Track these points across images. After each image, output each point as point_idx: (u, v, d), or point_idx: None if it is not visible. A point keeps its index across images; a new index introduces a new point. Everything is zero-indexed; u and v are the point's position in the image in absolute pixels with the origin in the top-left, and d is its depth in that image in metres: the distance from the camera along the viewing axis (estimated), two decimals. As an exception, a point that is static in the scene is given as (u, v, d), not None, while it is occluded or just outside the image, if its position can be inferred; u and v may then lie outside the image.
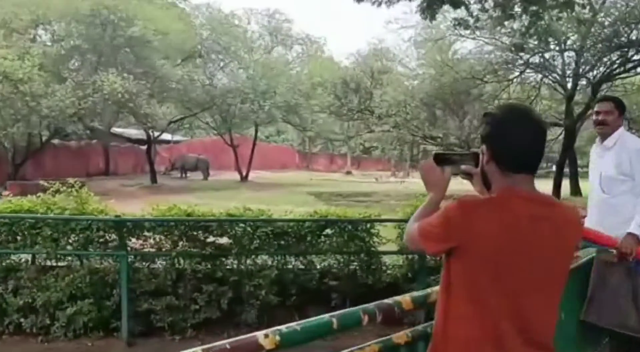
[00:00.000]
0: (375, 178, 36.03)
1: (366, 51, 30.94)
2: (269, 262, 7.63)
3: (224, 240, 7.58)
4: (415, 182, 37.25)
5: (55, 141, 30.56)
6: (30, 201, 7.56)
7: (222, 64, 31.61)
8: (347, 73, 27.65)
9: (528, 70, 22.09)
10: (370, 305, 2.53)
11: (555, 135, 25.06)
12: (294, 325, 2.29)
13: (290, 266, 7.71)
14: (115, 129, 36.09)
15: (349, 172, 42.60)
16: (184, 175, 34.94)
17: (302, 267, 7.73)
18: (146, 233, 7.40)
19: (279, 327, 2.23)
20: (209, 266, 7.49)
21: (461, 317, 2.15)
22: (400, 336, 2.98)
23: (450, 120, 24.17)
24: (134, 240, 7.46)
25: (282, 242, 7.62)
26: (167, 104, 29.61)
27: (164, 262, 7.44)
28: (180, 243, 7.43)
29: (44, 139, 27.20)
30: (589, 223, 4.23)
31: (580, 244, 2.48)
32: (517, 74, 22.33)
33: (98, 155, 33.88)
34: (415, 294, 2.85)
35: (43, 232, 7.16)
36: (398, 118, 23.17)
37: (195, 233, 7.43)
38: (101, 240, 7.34)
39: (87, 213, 7.38)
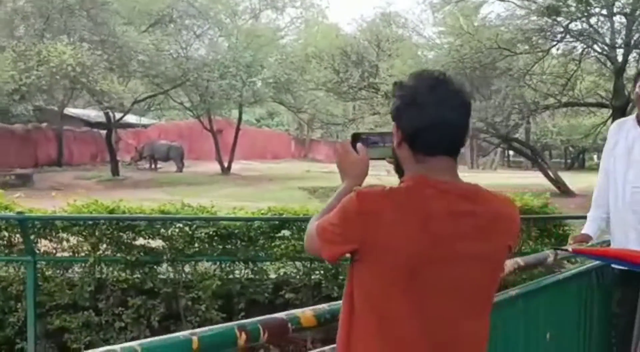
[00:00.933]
0: (386, 170, 36.07)
1: (372, 16, 30.86)
2: (211, 271, 7.58)
3: (157, 243, 7.56)
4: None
5: (-5, 124, 30.74)
6: None
7: (198, 31, 31.55)
8: (348, 42, 27.47)
9: (568, 39, 21.88)
10: (253, 320, 2.44)
11: (603, 119, 24.89)
12: (135, 344, 2.15)
13: (237, 275, 7.67)
14: (71, 110, 36.30)
15: (353, 163, 42.11)
16: (153, 166, 35.04)
17: (252, 276, 7.68)
18: (61, 234, 7.38)
19: (111, 348, 2.09)
20: (137, 275, 7.47)
21: (365, 337, 2.14)
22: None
23: (473, 100, 23.99)
24: (45, 243, 7.43)
25: (228, 246, 7.58)
26: (131, 79, 29.65)
27: (81, 270, 7.41)
28: (102, 246, 7.42)
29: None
30: (620, 236, 4.30)
31: (515, 245, 2.40)
32: (554, 43, 22.14)
33: (49, 142, 33.92)
34: (321, 307, 2.83)
35: None
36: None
37: (119, 234, 7.40)
38: (4, 242, 7.32)
39: (-12, 210, 7.36)
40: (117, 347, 2.11)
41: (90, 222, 7.34)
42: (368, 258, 2.09)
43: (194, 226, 7.51)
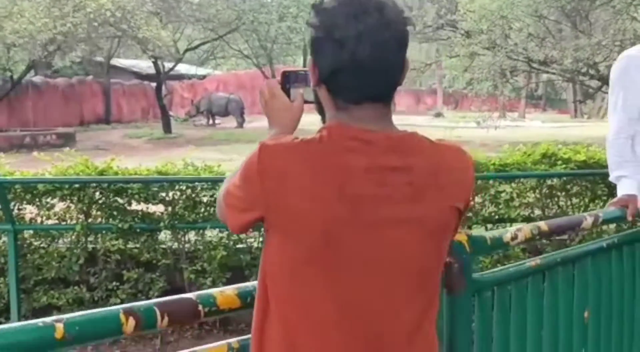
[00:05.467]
0: (476, 121, 35.64)
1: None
2: (218, 239, 7.54)
3: (156, 208, 7.53)
4: (532, 127, 36.75)
5: (37, 79, 31.53)
6: None
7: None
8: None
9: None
10: (149, 301, 2.33)
11: None
12: None
13: (247, 244, 7.61)
14: (120, 61, 37.01)
15: (439, 114, 42.52)
16: (211, 121, 35.42)
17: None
18: (44, 200, 7.41)
19: None
20: (133, 245, 7.49)
21: (280, 321, 2.06)
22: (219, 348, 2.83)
23: (569, 37, 23.28)
24: (32, 209, 7.50)
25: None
26: (182, 25, 29.92)
27: (69, 239, 7.48)
28: (92, 213, 7.44)
29: (16, 76, 28.00)
30: None
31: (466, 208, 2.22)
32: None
33: (95, 97, 34.66)
34: (247, 285, 2.64)
35: None
36: (494, 35, 22.51)
37: (113, 199, 7.41)
38: None
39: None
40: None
41: (76, 186, 7.34)
42: (276, 228, 1.99)
43: (198, 188, 7.44)
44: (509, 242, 3.64)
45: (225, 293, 2.46)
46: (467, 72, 24.40)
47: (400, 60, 2.03)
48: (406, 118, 40.25)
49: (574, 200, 7.82)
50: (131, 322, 2.19)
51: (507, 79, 25.74)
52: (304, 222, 1.94)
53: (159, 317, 2.24)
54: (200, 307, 2.39)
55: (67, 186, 7.34)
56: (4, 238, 7.35)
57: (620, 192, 4.33)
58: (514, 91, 37.54)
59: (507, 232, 3.65)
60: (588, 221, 4.50)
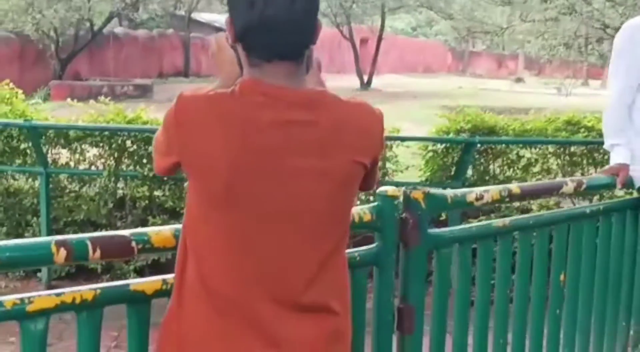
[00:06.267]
0: (556, 88, 35.02)
1: None
2: None
3: None
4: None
5: (119, 30, 32.07)
6: None
7: None
8: None
9: None
10: (83, 235, 2.43)
11: None
12: None
13: None
14: (201, 15, 37.25)
15: (519, 79, 41.79)
16: (287, 79, 35.54)
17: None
18: (75, 145, 7.69)
19: None
20: (160, 192, 7.69)
21: (197, 259, 2.17)
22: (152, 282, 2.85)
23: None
24: (65, 153, 7.79)
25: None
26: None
27: (98, 184, 7.71)
28: (121, 160, 7.67)
29: (96, 27, 28.53)
30: None
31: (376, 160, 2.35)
32: None
33: (175, 50, 34.99)
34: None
35: None
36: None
37: (143, 148, 7.60)
38: (20, 151, 7.71)
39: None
40: None
41: (106, 134, 7.58)
42: (190, 173, 2.12)
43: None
44: (473, 202, 3.63)
45: (161, 233, 2.50)
46: (541, 38, 23.93)
47: (310, 22, 2.12)
48: (485, 82, 39.74)
49: (600, 168, 7.68)
50: (62, 252, 2.29)
51: (592, 46, 25.13)
52: (210, 168, 2.05)
53: (90, 250, 2.33)
54: (133, 243, 2.45)
55: (96, 133, 7.59)
56: (37, 181, 7.63)
57: (614, 160, 4.35)
58: (601, 58, 36.54)
59: (472, 191, 3.65)
60: (569, 186, 4.43)
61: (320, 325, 2.23)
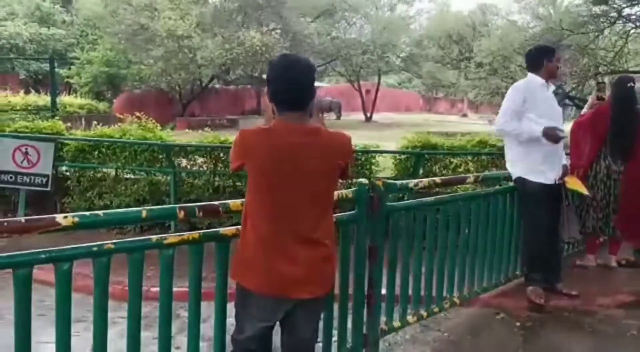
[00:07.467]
0: (488, 120, 34.52)
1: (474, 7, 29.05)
2: None
3: None
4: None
5: (217, 86, 32.23)
6: (111, 129, 8.34)
7: (352, 20, 31.18)
8: (451, 26, 26.20)
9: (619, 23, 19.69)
10: (195, 204, 2.67)
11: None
12: (100, 212, 2.38)
13: None
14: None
15: (464, 115, 40.95)
16: (320, 115, 35.32)
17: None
18: (190, 156, 7.84)
19: (84, 214, 2.34)
20: (241, 184, 7.70)
21: (251, 215, 2.34)
22: (230, 230, 2.94)
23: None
24: (185, 161, 7.93)
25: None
26: (304, 53, 29.97)
27: (204, 179, 7.79)
28: (219, 165, 7.76)
29: (204, 84, 28.70)
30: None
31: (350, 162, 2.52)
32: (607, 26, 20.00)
33: (252, 98, 35.08)
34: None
35: (117, 152, 7.92)
36: (496, 64, 21.82)
37: (227, 156, 7.59)
38: (159, 159, 7.90)
39: (148, 140, 8.01)
40: (86, 213, 2.35)
41: (208, 149, 7.73)
42: (248, 171, 2.30)
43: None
44: (413, 187, 3.89)
45: (234, 203, 2.74)
46: (477, 89, 23.78)
47: (309, 89, 2.31)
48: (443, 117, 39.23)
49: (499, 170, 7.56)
50: (181, 213, 2.57)
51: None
52: (258, 169, 2.27)
53: (197, 212, 2.61)
54: (220, 208, 2.72)
55: (202, 149, 7.73)
56: (168, 177, 7.80)
57: (539, 132, 4.23)
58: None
59: (412, 182, 3.87)
60: (471, 178, 4.60)
61: (319, 251, 2.35)
